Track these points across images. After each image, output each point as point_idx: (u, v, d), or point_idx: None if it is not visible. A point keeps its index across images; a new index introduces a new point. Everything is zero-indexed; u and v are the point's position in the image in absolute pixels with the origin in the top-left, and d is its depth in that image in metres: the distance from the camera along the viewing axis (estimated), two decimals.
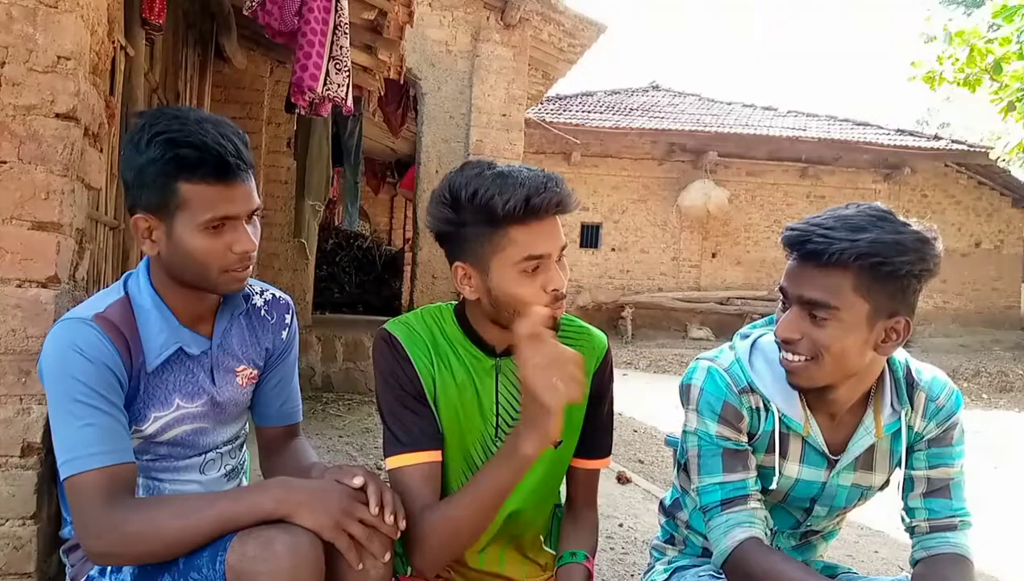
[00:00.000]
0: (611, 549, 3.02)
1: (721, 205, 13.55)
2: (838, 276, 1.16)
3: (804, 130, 14.04)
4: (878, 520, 3.69)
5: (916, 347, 13.07)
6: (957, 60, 4.99)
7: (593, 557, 1.42)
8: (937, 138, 14.46)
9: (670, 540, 1.57)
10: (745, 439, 1.31)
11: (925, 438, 1.34)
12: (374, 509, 1.12)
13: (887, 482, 1.40)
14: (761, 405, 1.31)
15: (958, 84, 5.09)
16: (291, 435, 1.49)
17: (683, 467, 1.46)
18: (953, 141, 14.09)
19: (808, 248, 1.17)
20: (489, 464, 1.22)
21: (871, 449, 1.34)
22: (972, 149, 13.57)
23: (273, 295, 1.46)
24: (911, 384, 1.33)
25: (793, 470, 1.33)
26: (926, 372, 1.36)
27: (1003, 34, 4.84)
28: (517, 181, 1.20)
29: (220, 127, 1.22)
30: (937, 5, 17.56)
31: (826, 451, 1.32)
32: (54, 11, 1.58)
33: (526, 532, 1.44)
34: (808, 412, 1.31)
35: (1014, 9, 4.73)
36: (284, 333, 1.45)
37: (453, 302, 1.42)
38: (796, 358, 1.22)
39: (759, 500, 1.30)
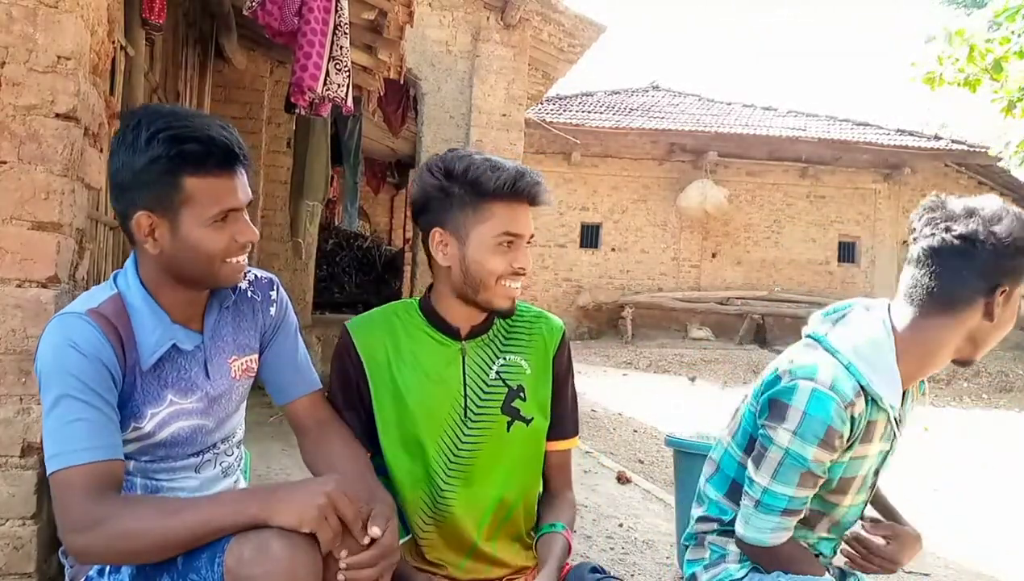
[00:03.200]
0: (611, 549, 3.02)
1: (719, 205, 13.55)
2: None
3: (804, 130, 14.05)
4: None
5: None
6: (957, 60, 4.98)
7: (571, 529, 1.48)
8: (937, 138, 14.46)
9: (729, 535, 1.51)
10: (833, 457, 1.35)
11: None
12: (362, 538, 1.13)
13: None
14: (864, 407, 1.35)
15: (958, 84, 5.08)
16: (318, 408, 1.46)
17: (746, 452, 1.48)
18: (953, 141, 14.09)
19: None
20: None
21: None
22: (972, 149, 13.57)
23: (256, 275, 1.45)
24: None
25: (875, 449, 1.42)
26: None
27: (1003, 34, 4.84)
28: (504, 165, 1.36)
29: (217, 121, 1.24)
30: (937, 5, 17.55)
31: (897, 427, 1.42)
32: (54, 11, 1.58)
33: (518, 517, 1.48)
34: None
35: (1015, 9, 4.73)
36: (272, 309, 1.45)
37: (417, 298, 1.50)
38: None
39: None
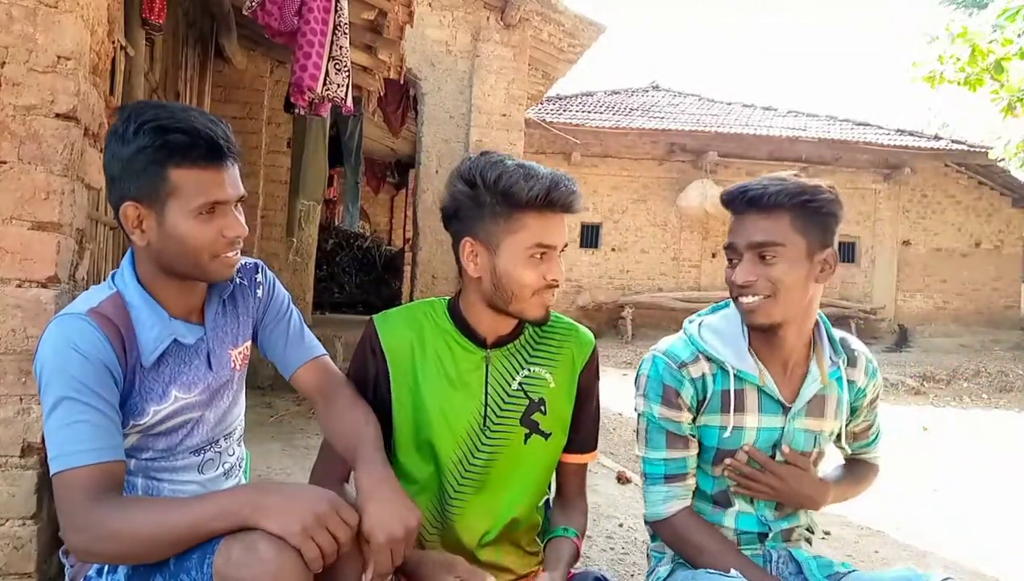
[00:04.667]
0: (611, 549, 3.02)
1: (718, 205, 13.52)
2: (777, 217, 1.37)
3: (804, 130, 14.04)
4: (878, 520, 3.70)
5: (916, 347, 13.06)
6: (958, 60, 4.99)
7: (582, 537, 1.48)
8: (937, 138, 14.44)
9: None
10: (686, 418, 1.46)
11: (868, 397, 1.56)
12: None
13: (838, 435, 1.56)
14: (707, 371, 1.46)
15: (959, 84, 5.08)
16: (319, 375, 1.45)
17: None
18: (953, 141, 14.07)
19: (749, 196, 1.38)
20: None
21: (822, 399, 1.49)
22: (972, 149, 13.56)
23: (244, 263, 1.45)
24: (843, 343, 1.54)
25: (753, 421, 1.47)
26: (847, 337, 1.56)
27: (1006, 35, 4.84)
28: (539, 174, 1.31)
29: (206, 114, 1.24)
30: (937, 5, 17.53)
31: (781, 398, 1.46)
32: (54, 11, 1.58)
33: (522, 529, 1.47)
34: (761, 365, 1.46)
35: (1016, 11, 4.74)
36: (259, 291, 1.45)
37: (447, 297, 1.47)
38: (754, 298, 1.39)
39: (694, 476, 1.50)
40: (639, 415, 1.51)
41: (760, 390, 1.46)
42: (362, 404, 1.38)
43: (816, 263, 1.40)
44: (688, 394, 1.45)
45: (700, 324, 1.53)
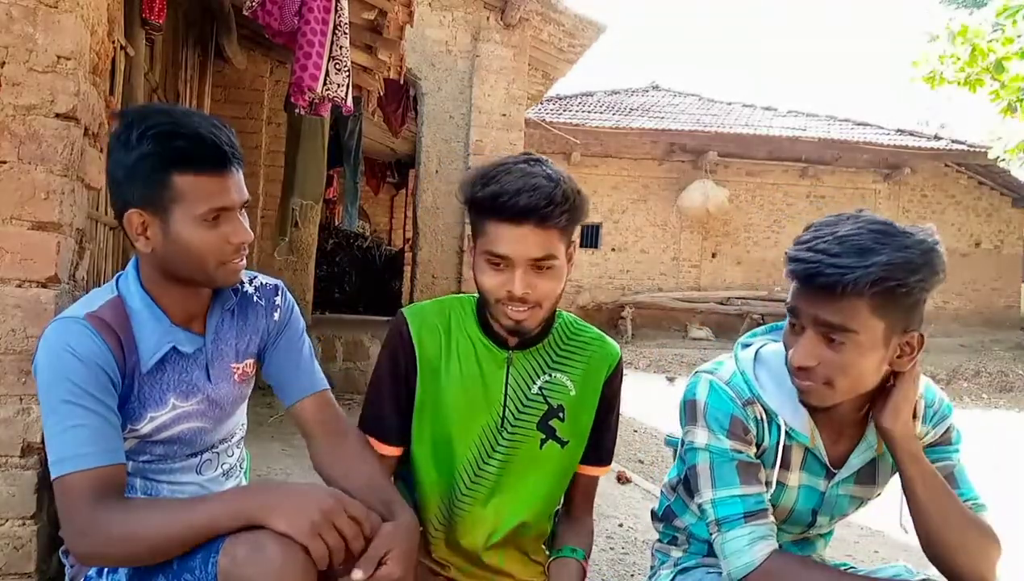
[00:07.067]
0: (611, 549, 3.01)
1: (720, 205, 13.54)
2: (854, 302, 1.12)
3: (804, 130, 14.03)
4: (878, 520, 3.69)
5: None
6: (958, 60, 4.99)
7: (589, 558, 1.46)
8: (937, 138, 14.43)
9: (672, 541, 1.58)
10: (754, 452, 1.29)
11: (924, 443, 1.33)
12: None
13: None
14: (765, 416, 1.29)
15: (959, 84, 5.08)
16: (324, 409, 1.43)
17: (682, 481, 1.50)
18: (953, 141, 14.06)
19: (820, 282, 1.11)
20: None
21: (873, 463, 1.34)
22: (972, 149, 13.55)
23: (262, 282, 1.45)
24: None
25: (795, 479, 1.33)
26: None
27: (1007, 34, 4.84)
28: (507, 179, 1.24)
29: (209, 119, 1.23)
30: (937, 5, 17.52)
31: (827, 462, 1.32)
32: (54, 11, 1.58)
33: (530, 535, 1.46)
34: (813, 424, 1.30)
35: (1016, 9, 4.73)
36: (276, 314, 1.44)
37: (475, 294, 1.45)
38: (810, 383, 1.19)
39: (772, 513, 1.29)
40: (696, 450, 1.29)
41: (808, 449, 1.31)
42: (372, 450, 1.38)
43: (893, 347, 1.17)
44: (753, 433, 1.28)
45: (756, 356, 1.33)
